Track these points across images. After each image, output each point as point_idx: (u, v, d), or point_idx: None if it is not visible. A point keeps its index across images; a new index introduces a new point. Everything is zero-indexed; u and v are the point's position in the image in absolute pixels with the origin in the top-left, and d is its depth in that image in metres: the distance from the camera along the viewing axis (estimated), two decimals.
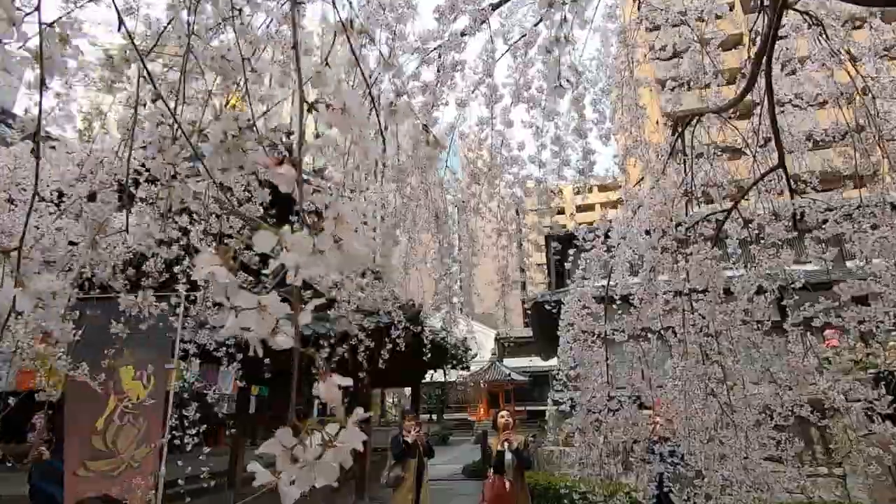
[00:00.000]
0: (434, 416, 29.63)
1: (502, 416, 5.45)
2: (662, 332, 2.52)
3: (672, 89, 2.67)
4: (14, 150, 4.51)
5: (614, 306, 3.09)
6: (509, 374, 31.14)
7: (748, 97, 2.32)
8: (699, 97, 2.64)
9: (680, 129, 2.42)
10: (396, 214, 2.39)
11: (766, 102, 2.15)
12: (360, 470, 8.45)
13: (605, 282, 2.92)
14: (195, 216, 2.83)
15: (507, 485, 4.85)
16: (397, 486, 5.29)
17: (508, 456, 5.02)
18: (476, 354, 13.45)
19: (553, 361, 30.93)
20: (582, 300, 2.91)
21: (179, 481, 3.64)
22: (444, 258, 3.26)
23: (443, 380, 24.66)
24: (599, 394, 2.75)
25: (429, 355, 6.12)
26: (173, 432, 3.35)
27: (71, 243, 6.10)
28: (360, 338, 4.24)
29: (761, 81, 2.18)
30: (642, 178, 2.52)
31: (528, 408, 32.93)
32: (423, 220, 2.81)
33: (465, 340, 12.48)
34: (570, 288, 3.36)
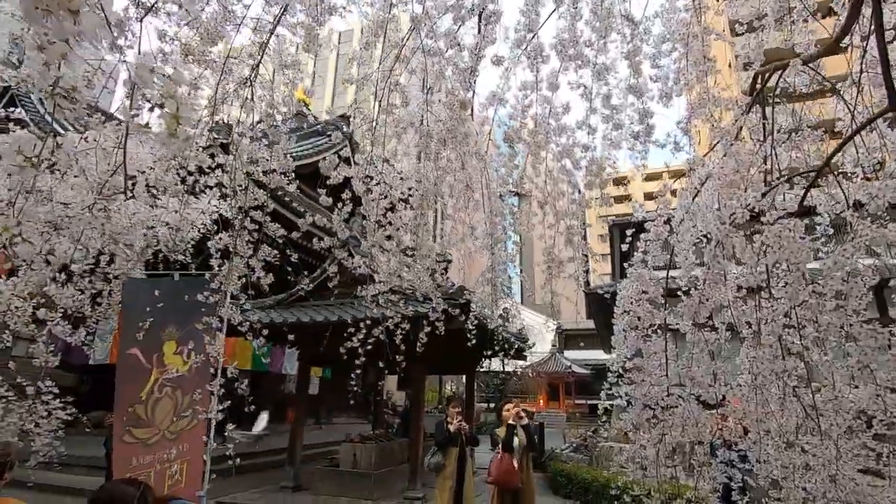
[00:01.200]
0: (492, 405, 29.52)
1: (507, 409, 5.27)
2: (734, 319, 2.19)
3: (747, 32, 2.28)
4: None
5: (679, 292, 2.77)
6: (569, 367, 30.39)
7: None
8: (782, 38, 2.23)
9: (759, 84, 2.06)
10: (427, 186, 2.23)
11: (870, 34, 1.75)
12: (413, 456, 8.48)
13: (665, 267, 2.61)
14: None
15: (515, 463, 4.77)
16: (438, 472, 5.30)
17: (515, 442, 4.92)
18: (533, 345, 13.11)
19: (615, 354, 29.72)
20: (640, 284, 2.61)
21: (231, 460, 3.72)
22: (490, 238, 3.07)
23: (501, 369, 24.48)
24: (657, 388, 2.46)
25: (479, 343, 5.96)
26: (222, 409, 3.42)
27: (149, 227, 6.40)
28: (404, 325, 4.15)
29: (865, 10, 1.78)
30: (715, 145, 2.18)
31: (590, 402, 32.08)
32: (462, 196, 2.63)
33: (522, 330, 12.21)
34: (626, 281, 3.05)
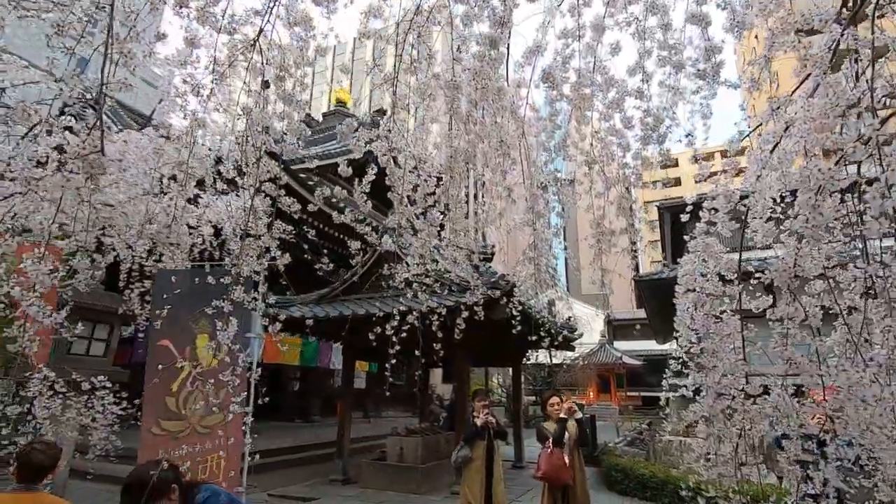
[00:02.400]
0: (540, 398, 29.07)
1: (552, 403, 4.96)
2: (831, 291, 1.81)
3: None
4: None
5: (751, 268, 2.40)
6: (620, 357, 29.42)
7: None
8: None
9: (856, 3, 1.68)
10: (456, 149, 1.97)
11: None
12: None
13: (737, 249, 2.25)
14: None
15: (566, 458, 4.52)
16: (465, 466, 5.20)
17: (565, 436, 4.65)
18: (581, 335, 12.64)
19: (670, 345, 28.76)
20: (708, 256, 2.26)
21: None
22: (531, 215, 2.78)
23: (549, 361, 24.00)
24: (733, 374, 2.12)
25: (525, 333, 5.67)
26: (261, 402, 3.33)
27: (189, 227, 6.51)
28: (441, 313, 3.93)
29: None
30: (804, 80, 1.81)
31: (643, 394, 30.99)
32: (498, 163, 2.35)
33: (570, 319, 11.78)
34: (688, 256, 2.69)
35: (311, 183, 11.91)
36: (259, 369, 3.80)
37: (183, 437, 3.25)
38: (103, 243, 5.76)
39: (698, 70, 1.81)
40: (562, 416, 4.84)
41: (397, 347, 4.15)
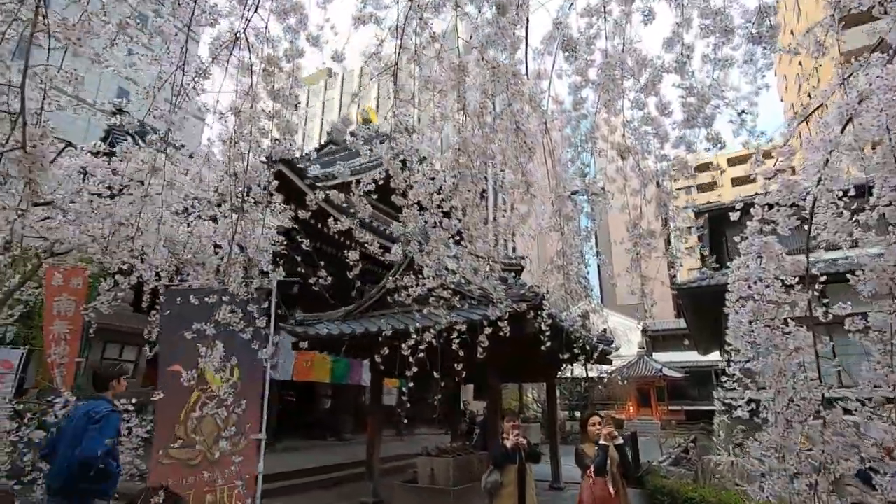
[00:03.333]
0: (577, 414, 28.07)
1: (593, 423, 4.55)
2: None
3: None
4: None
5: (816, 271, 2.06)
6: (660, 370, 28.23)
7: None
8: None
9: None
10: (467, 143, 1.73)
11: None
12: None
13: (803, 249, 1.92)
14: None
15: (611, 488, 4.13)
16: (496, 493, 4.86)
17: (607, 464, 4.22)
18: (618, 348, 12.09)
19: (713, 356, 27.45)
20: (769, 259, 1.94)
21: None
22: (558, 218, 2.51)
23: (584, 375, 23.25)
24: (807, 395, 1.78)
25: (557, 347, 5.34)
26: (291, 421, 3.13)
27: (216, 246, 6.47)
28: (461, 329, 3.67)
29: None
30: (877, 45, 1.51)
31: (686, 407, 29.61)
32: (517, 157, 2.10)
33: (605, 332, 11.28)
34: (740, 260, 2.37)
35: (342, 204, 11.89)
36: (275, 389, 3.61)
37: (194, 466, 3.07)
38: (127, 264, 5.78)
39: (751, 34, 1.53)
40: (602, 442, 4.47)
41: (417, 364, 3.91)
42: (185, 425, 3.01)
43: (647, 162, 2.19)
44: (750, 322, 2.06)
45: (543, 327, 4.71)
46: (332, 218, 3.23)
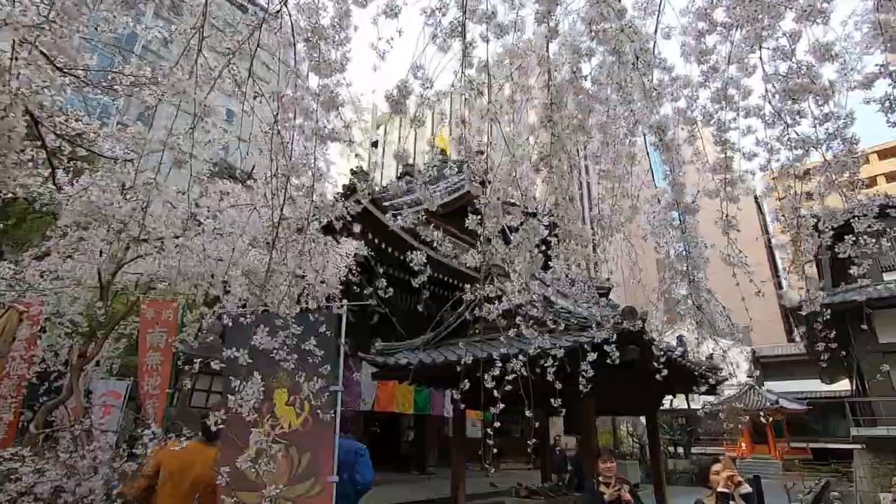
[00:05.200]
0: (680, 450, 25.48)
1: (716, 472, 3.71)
2: None
3: None
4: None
5: None
6: (776, 401, 24.99)
7: None
8: None
9: None
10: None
11: None
12: None
13: None
14: None
15: None
16: None
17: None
18: (730, 376, 10.73)
19: (842, 384, 24.00)
20: None
21: None
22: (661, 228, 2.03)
23: (686, 407, 21.16)
24: None
25: (656, 373, 4.62)
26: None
27: (296, 276, 6.51)
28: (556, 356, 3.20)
29: None
30: None
31: (812, 445, 25.91)
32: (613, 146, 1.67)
33: (711, 358, 10.04)
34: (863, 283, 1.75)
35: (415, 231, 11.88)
36: (360, 422, 3.33)
37: None
38: (210, 295, 5.93)
39: None
40: (721, 489, 3.67)
41: (502, 396, 3.47)
42: (255, 465, 2.76)
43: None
44: None
45: (648, 354, 4.08)
46: (409, 246, 2.97)
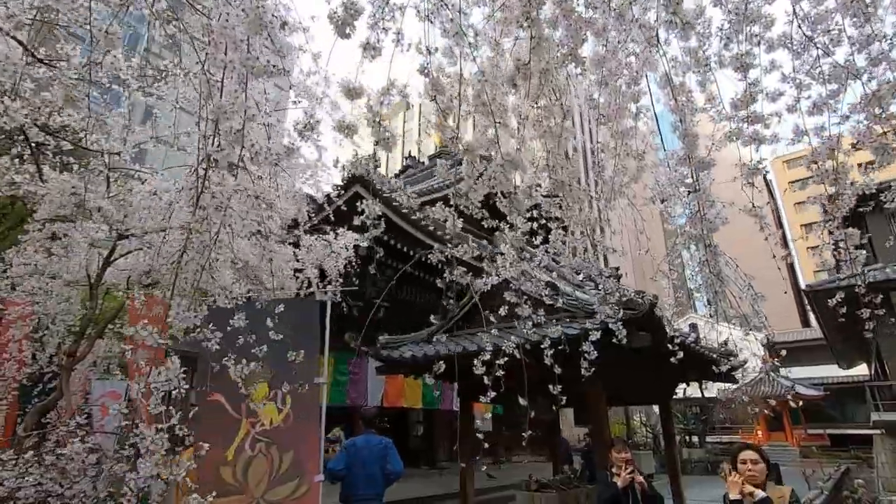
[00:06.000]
0: (695, 439, 25.11)
1: (743, 461, 3.22)
2: None
3: None
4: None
5: None
6: (792, 387, 24.53)
7: None
8: None
9: None
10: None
11: None
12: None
13: None
14: None
15: None
16: None
17: None
18: (745, 362, 10.41)
19: (858, 369, 23.59)
20: None
21: None
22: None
23: (700, 395, 20.83)
24: None
25: (669, 359, 4.36)
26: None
27: (296, 271, 6.39)
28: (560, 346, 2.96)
29: None
30: None
31: (830, 431, 25.48)
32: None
33: (725, 344, 9.74)
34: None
35: (414, 218, 11.66)
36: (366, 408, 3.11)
37: None
38: (201, 289, 5.75)
39: None
40: (733, 497, 3.15)
41: (507, 387, 3.25)
42: (233, 467, 2.53)
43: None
44: None
45: (660, 336, 3.83)
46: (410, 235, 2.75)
